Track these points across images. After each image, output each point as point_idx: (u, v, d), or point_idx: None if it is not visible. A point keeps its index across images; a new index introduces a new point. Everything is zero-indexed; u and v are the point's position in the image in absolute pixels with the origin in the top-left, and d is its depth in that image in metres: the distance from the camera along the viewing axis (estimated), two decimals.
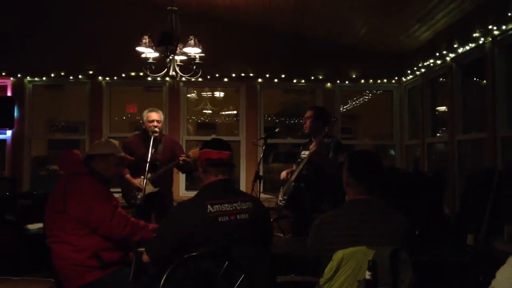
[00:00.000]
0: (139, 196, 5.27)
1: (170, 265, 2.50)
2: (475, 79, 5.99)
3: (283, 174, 5.14)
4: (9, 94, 7.51)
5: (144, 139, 5.40)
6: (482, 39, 5.07)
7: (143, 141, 5.38)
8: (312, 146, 4.68)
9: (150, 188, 5.37)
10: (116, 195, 3.70)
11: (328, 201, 4.57)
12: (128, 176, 5.41)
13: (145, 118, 5.49)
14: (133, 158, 3.87)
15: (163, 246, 2.77)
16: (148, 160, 4.77)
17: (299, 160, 5.03)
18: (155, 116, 5.49)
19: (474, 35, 5.17)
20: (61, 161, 3.54)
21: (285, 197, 4.91)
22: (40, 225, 5.84)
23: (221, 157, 2.89)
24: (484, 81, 5.31)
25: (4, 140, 7.54)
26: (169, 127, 7.40)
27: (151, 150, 4.92)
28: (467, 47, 5.41)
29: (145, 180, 4.74)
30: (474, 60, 5.53)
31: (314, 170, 4.77)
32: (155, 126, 5.39)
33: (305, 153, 4.95)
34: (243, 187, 7.43)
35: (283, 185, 5.10)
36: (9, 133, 7.50)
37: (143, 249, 2.88)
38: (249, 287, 2.51)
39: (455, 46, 5.63)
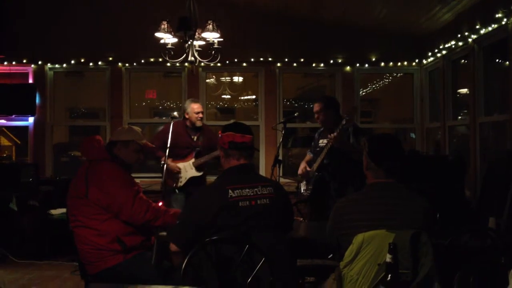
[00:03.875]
0: (180, 181, 5.66)
1: (191, 249, 2.53)
2: (497, 60, 5.90)
3: (300, 169, 5.12)
4: (30, 81, 7.59)
5: (185, 127, 5.73)
6: (505, 19, 4.98)
7: (184, 129, 5.71)
8: (329, 140, 4.61)
9: (193, 173, 5.68)
10: (138, 180, 3.74)
11: (353, 186, 4.56)
12: (169, 162, 5.56)
13: (189, 109, 5.68)
14: (154, 146, 3.90)
15: (187, 232, 2.76)
16: (170, 146, 4.89)
17: (318, 149, 5.00)
18: (199, 107, 5.74)
19: (497, 15, 5.07)
20: (83, 147, 3.57)
21: (309, 187, 4.92)
22: (63, 210, 5.95)
23: (244, 140, 2.88)
24: (507, 62, 5.23)
25: (26, 127, 7.64)
26: None
27: (193, 138, 5.70)
28: (489, 28, 5.32)
29: (165, 165, 4.82)
30: (497, 41, 5.45)
31: (335, 158, 4.74)
32: (201, 118, 5.74)
33: (323, 142, 4.92)
34: (262, 171, 7.45)
35: (303, 175, 5.09)
36: (31, 120, 7.59)
37: (165, 233, 2.91)
38: (269, 271, 2.52)
39: (477, 27, 5.54)
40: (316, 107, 4.94)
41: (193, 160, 5.67)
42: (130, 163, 3.58)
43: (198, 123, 5.68)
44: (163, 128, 5.75)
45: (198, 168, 5.71)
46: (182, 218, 2.91)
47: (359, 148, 4.49)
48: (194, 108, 5.67)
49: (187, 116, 5.71)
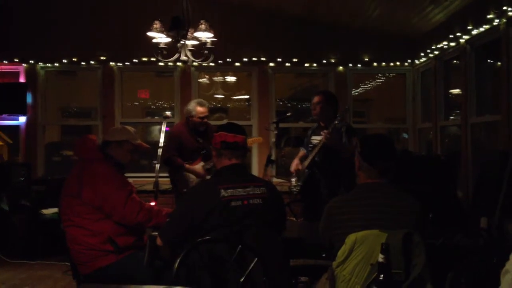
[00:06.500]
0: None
1: (183, 249, 2.53)
2: (489, 61, 5.93)
3: (294, 166, 5.11)
4: (22, 80, 7.55)
5: (189, 128, 5.58)
6: (497, 20, 5.00)
7: (189, 131, 5.57)
8: (324, 136, 4.63)
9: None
10: (131, 180, 3.71)
11: (344, 186, 4.56)
12: (188, 166, 5.55)
13: (194, 112, 5.46)
14: (148, 146, 3.88)
15: (176, 230, 2.80)
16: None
17: (311, 145, 5.01)
18: (206, 111, 5.54)
19: (488, 16, 5.09)
20: (76, 147, 3.57)
21: (299, 183, 4.91)
22: (55, 210, 5.93)
23: (236, 140, 2.88)
24: (499, 63, 5.25)
25: (17, 126, 7.60)
26: (181, 112, 7.40)
27: (199, 140, 5.55)
28: (481, 29, 5.35)
29: (157, 165, 4.82)
30: (489, 42, 5.48)
31: (326, 156, 4.75)
32: (206, 122, 5.56)
33: (315, 139, 4.92)
34: (255, 171, 7.45)
35: (295, 173, 5.09)
36: (22, 119, 7.55)
37: (157, 233, 2.91)
38: (262, 271, 2.52)
39: (469, 28, 5.56)
40: (316, 99, 4.93)
41: (202, 163, 5.58)
42: (124, 163, 3.57)
43: (202, 128, 5.52)
44: (169, 135, 5.54)
45: (207, 171, 5.62)
46: (173, 216, 2.93)
47: (350, 148, 4.53)
48: (199, 111, 5.47)
49: (191, 119, 5.52)
